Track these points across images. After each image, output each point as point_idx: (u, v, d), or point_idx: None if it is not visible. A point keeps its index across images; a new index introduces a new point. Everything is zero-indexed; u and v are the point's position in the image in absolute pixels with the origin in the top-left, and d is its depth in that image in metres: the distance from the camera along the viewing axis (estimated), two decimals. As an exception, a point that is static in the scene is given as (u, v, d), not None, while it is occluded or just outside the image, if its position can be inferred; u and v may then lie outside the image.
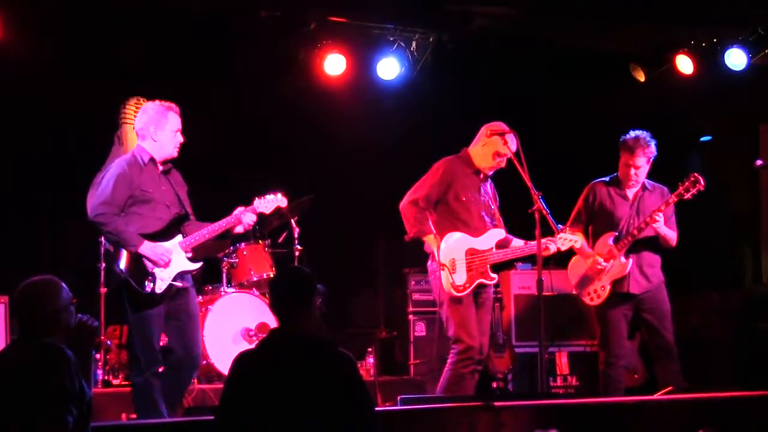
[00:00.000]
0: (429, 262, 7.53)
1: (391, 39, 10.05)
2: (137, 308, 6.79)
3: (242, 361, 4.74)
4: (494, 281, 7.51)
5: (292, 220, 8.88)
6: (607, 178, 8.02)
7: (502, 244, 7.54)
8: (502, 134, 7.40)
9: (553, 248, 7.43)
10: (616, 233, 7.79)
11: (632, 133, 7.81)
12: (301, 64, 10.07)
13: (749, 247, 11.36)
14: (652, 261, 7.88)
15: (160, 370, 6.81)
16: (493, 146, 7.46)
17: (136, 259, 6.72)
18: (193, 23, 9.60)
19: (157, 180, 6.94)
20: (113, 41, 9.58)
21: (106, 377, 8.54)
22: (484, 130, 7.56)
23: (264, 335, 4.94)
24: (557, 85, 10.65)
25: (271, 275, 8.89)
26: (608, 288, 7.78)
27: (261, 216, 7.24)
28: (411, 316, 9.77)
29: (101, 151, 10.24)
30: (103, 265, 8.78)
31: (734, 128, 11.31)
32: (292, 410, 4.44)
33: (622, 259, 7.72)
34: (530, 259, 8.39)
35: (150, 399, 6.69)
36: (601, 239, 7.86)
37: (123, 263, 6.74)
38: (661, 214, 7.60)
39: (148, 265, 6.73)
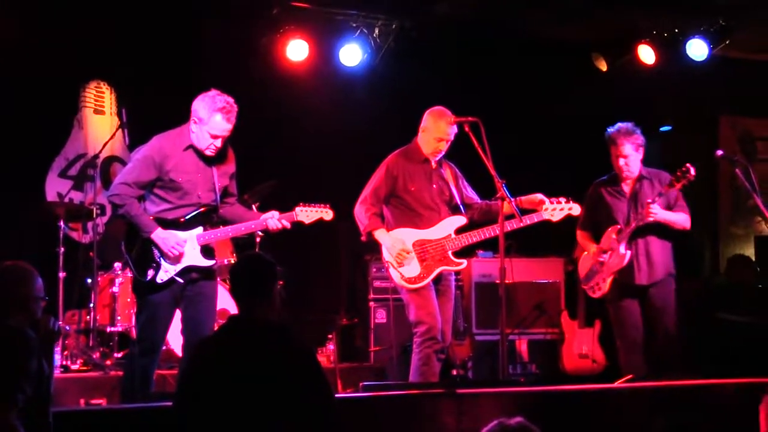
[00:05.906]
0: (383, 253, 7.46)
1: (354, 25, 10.02)
2: (139, 291, 6.67)
3: (200, 348, 4.74)
4: (461, 266, 7.46)
5: (254, 206, 8.82)
6: (605, 177, 7.93)
7: (482, 223, 7.39)
8: (443, 118, 7.33)
9: (533, 220, 7.28)
10: (619, 227, 7.67)
11: (615, 126, 7.74)
12: (264, 49, 10.03)
13: (707, 237, 11.44)
14: (662, 248, 7.74)
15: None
16: (433, 131, 7.37)
17: (145, 245, 6.52)
18: (157, 4, 9.53)
19: (194, 167, 6.64)
20: (75, 23, 9.48)
21: (64, 362, 8.46)
22: (425, 116, 7.47)
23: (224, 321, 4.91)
24: (520, 73, 10.67)
25: (232, 261, 8.90)
26: (609, 280, 7.70)
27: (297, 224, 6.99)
28: (372, 303, 9.71)
29: (61, 135, 10.16)
30: (62, 249, 8.72)
31: (694, 119, 11.38)
32: (250, 397, 4.43)
33: (621, 249, 7.59)
34: (493, 247, 8.38)
35: (134, 382, 6.53)
36: (605, 234, 7.72)
37: (130, 244, 6.57)
38: (656, 205, 7.47)
39: (156, 252, 6.53)
